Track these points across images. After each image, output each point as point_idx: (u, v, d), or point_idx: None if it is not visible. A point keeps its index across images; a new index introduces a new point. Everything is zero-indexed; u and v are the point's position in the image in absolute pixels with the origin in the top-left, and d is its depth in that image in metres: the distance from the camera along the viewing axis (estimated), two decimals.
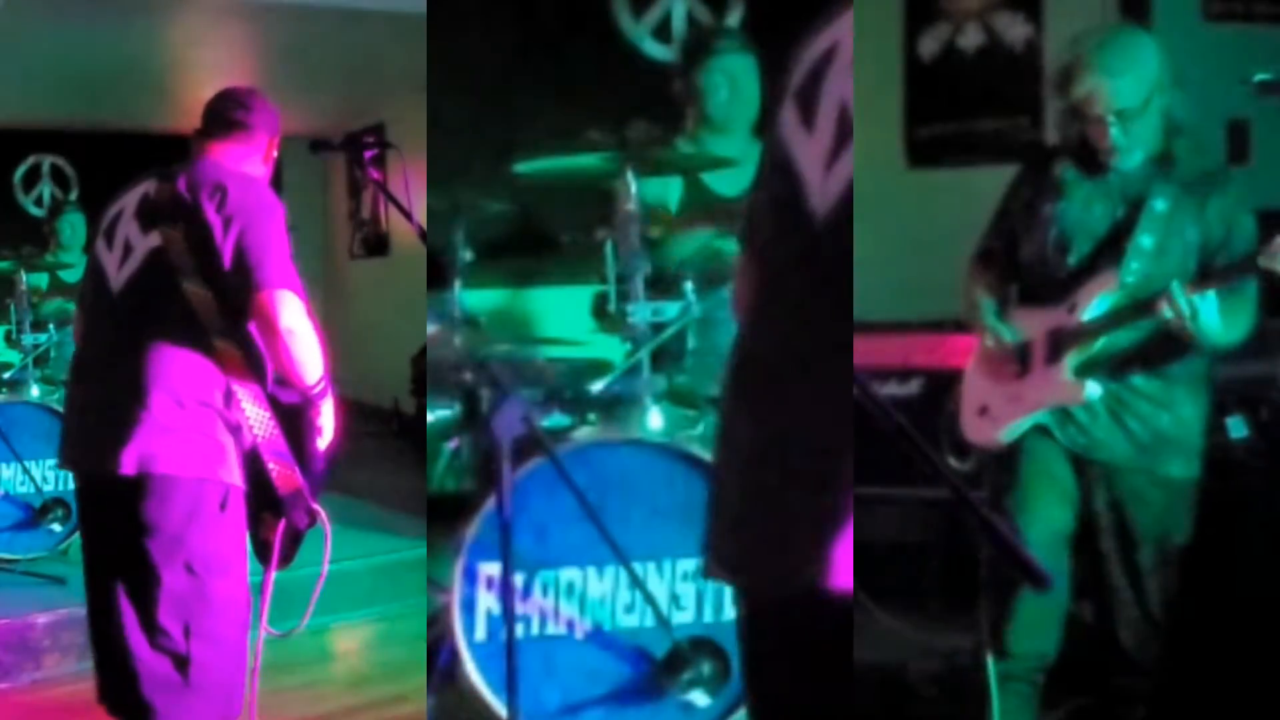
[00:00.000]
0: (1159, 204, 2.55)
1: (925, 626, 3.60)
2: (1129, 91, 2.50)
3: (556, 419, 3.16)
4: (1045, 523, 2.63)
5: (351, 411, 9.78)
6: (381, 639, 4.21)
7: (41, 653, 3.73)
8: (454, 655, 2.91)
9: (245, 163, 2.55)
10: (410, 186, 2.52)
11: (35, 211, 8.63)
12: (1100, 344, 2.58)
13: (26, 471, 4.63)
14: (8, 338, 5.04)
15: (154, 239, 2.38)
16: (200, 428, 2.34)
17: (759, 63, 3.45)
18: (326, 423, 2.50)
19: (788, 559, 1.45)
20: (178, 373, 2.33)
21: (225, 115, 2.59)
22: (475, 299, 3.71)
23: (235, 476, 2.38)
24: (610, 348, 3.28)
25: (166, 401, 2.31)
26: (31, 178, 8.95)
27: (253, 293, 2.28)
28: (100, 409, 2.38)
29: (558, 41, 4.62)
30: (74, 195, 8.58)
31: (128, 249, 2.42)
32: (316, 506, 2.41)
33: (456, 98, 4.32)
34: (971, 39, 4.89)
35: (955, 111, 4.94)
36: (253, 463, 2.39)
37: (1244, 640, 2.93)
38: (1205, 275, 2.49)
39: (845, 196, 1.45)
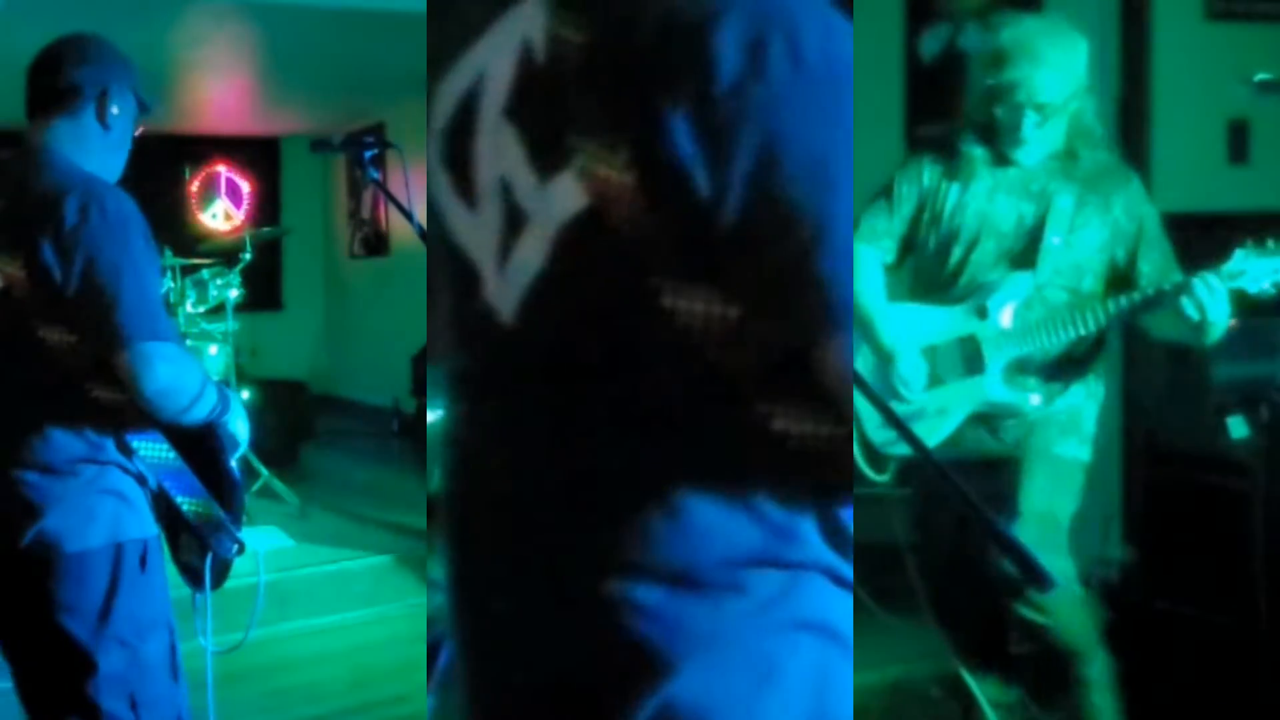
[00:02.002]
0: (1063, 201, 2.55)
1: (927, 626, 3.60)
2: (1054, 87, 2.50)
3: None
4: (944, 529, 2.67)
5: (351, 411, 9.75)
6: (381, 639, 4.20)
7: None
8: (454, 655, 2.91)
9: (83, 143, 2.11)
10: (410, 186, 2.51)
11: None
12: (1025, 350, 2.57)
13: None
14: None
15: None
16: (102, 488, 2.03)
17: None
18: (237, 430, 2.14)
19: None
20: (63, 436, 2.00)
21: (46, 85, 2.12)
22: None
23: (149, 526, 2.11)
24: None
25: (59, 471, 1.99)
26: None
27: (109, 346, 1.91)
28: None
29: None
30: None
31: None
32: (238, 538, 2.11)
33: None
34: (971, 39, 4.88)
35: (955, 111, 4.93)
36: (164, 502, 2.12)
37: (1246, 640, 2.93)
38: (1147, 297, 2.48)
39: (540, 295, 1.05)
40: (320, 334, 10.04)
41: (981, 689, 2.72)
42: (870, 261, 2.72)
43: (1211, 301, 2.38)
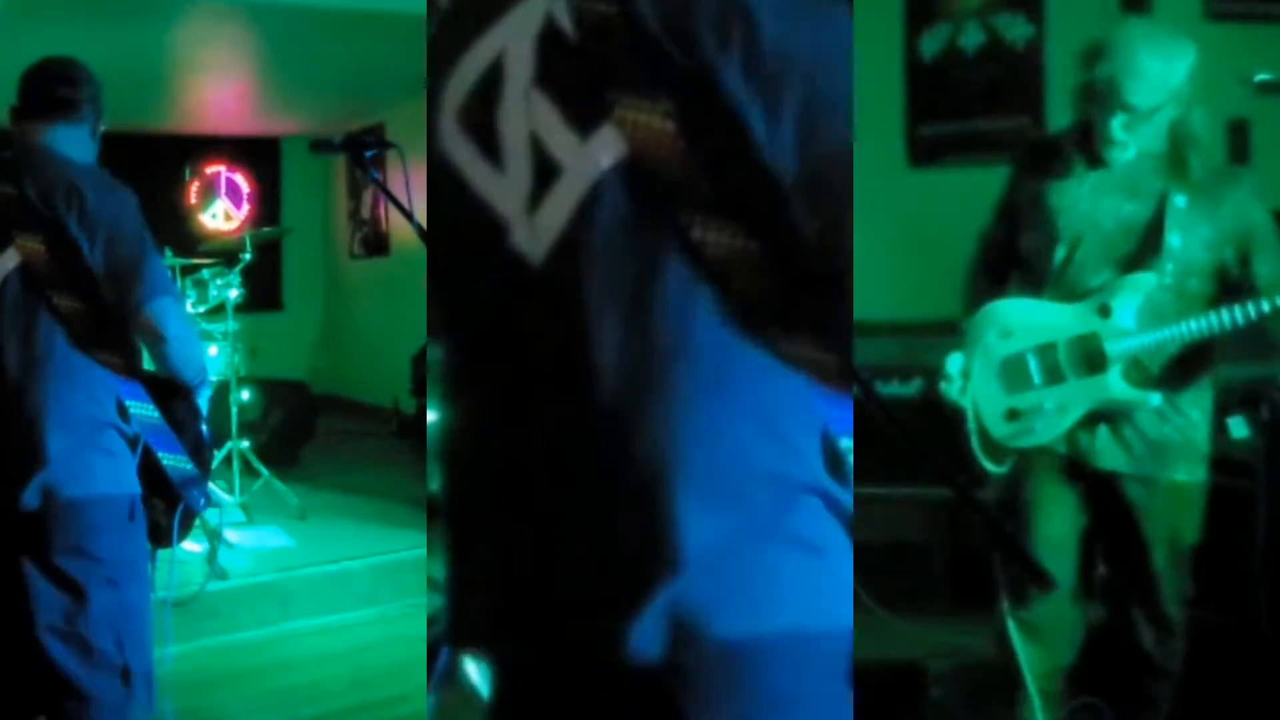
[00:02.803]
0: (1179, 200, 2.52)
1: (929, 626, 3.61)
2: (1145, 90, 2.48)
3: None
4: (1053, 530, 2.64)
5: (351, 411, 9.75)
6: (381, 639, 4.21)
7: None
8: (454, 655, 2.91)
9: (78, 147, 2.42)
10: (410, 186, 2.51)
11: None
12: (1144, 347, 2.54)
13: None
14: None
15: (12, 257, 2.28)
16: (100, 446, 2.30)
17: None
18: (202, 400, 2.47)
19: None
20: (67, 395, 2.27)
21: (51, 93, 2.42)
22: None
23: (136, 485, 2.37)
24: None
25: (63, 428, 2.26)
26: None
27: (133, 308, 2.24)
28: (5, 442, 2.30)
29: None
30: None
31: None
32: (206, 492, 2.44)
33: None
34: (972, 39, 4.89)
35: (955, 111, 4.94)
36: (145, 457, 2.38)
37: (1250, 641, 2.93)
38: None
39: (570, 238, 1.15)
40: (320, 334, 10.04)
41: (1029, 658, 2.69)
42: (993, 266, 2.82)
43: None
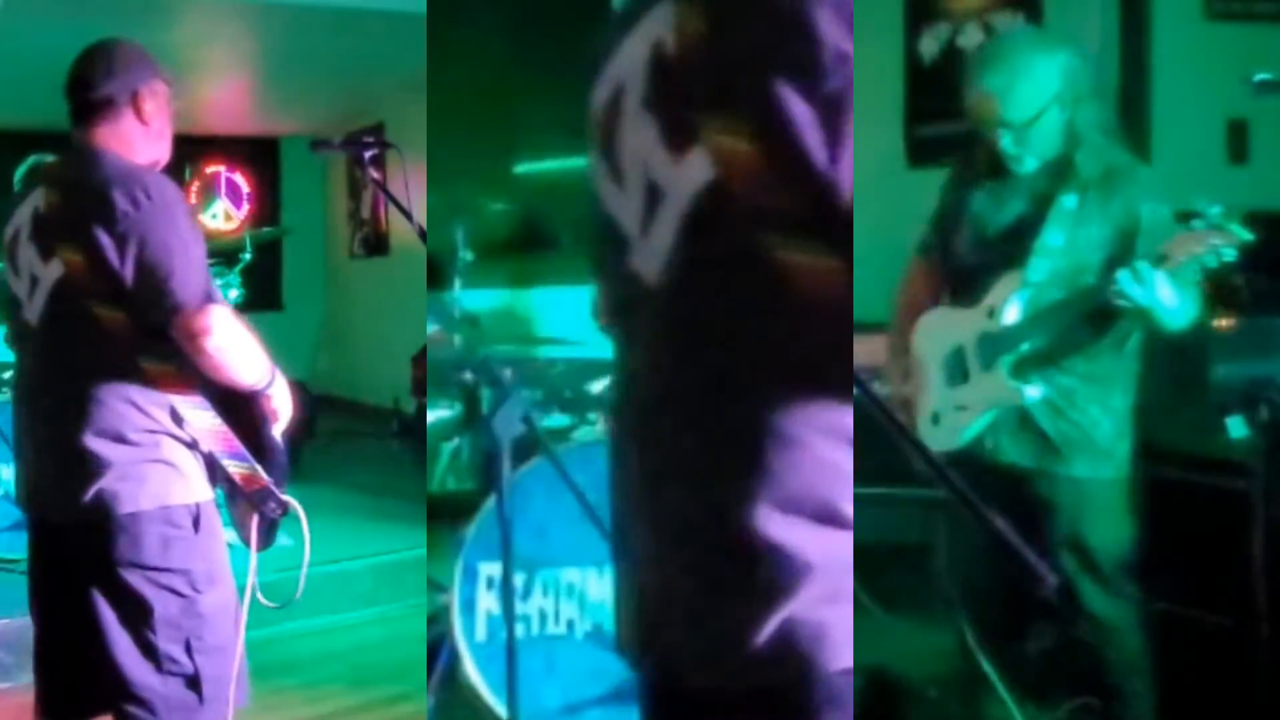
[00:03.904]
0: (1068, 201, 2.59)
1: (927, 626, 3.60)
2: (1017, 105, 2.54)
3: (556, 419, 3.16)
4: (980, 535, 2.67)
5: (351, 411, 9.76)
6: (381, 639, 4.21)
7: None
8: (454, 655, 2.92)
9: (127, 141, 2.32)
10: (410, 186, 2.52)
11: None
12: (1027, 346, 2.63)
13: None
14: (7, 338, 5.04)
15: (56, 268, 2.22)
16: (155, 457, 2.23)
17: None
18: (281, 407, 2.36)
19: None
20: (119, 407, 2.21)
21: (85, 98, 2.34)
22: (475, 299, 3.71)
23: (202, 492, 2.30)
24: (610, 348, 3.27)
25: (115, 440, 2.20)
26: (31, 178, 8.96)
27: (169, 316, 2.14)
28: (51, 454, 2.28)
29: (558, 41, 4.61)
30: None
31: (34, 280, 2.28)
32: (285, 498, 2.30)
33: (456, 98, 4.33)
34: (971, 39, 4.89)
35: (955, 111, 4.93)
36: (215, 467, 2.30)
37: (1246, 640, 2.93)
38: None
39: (673, 261, 1.21)
40: (320, 334, 10.03)
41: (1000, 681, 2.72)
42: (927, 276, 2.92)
43: (1142, 290, 2.39)
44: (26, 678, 3.73)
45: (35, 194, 2.33)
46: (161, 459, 2.24)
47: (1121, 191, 2.60)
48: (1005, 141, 2.59)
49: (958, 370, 2.73)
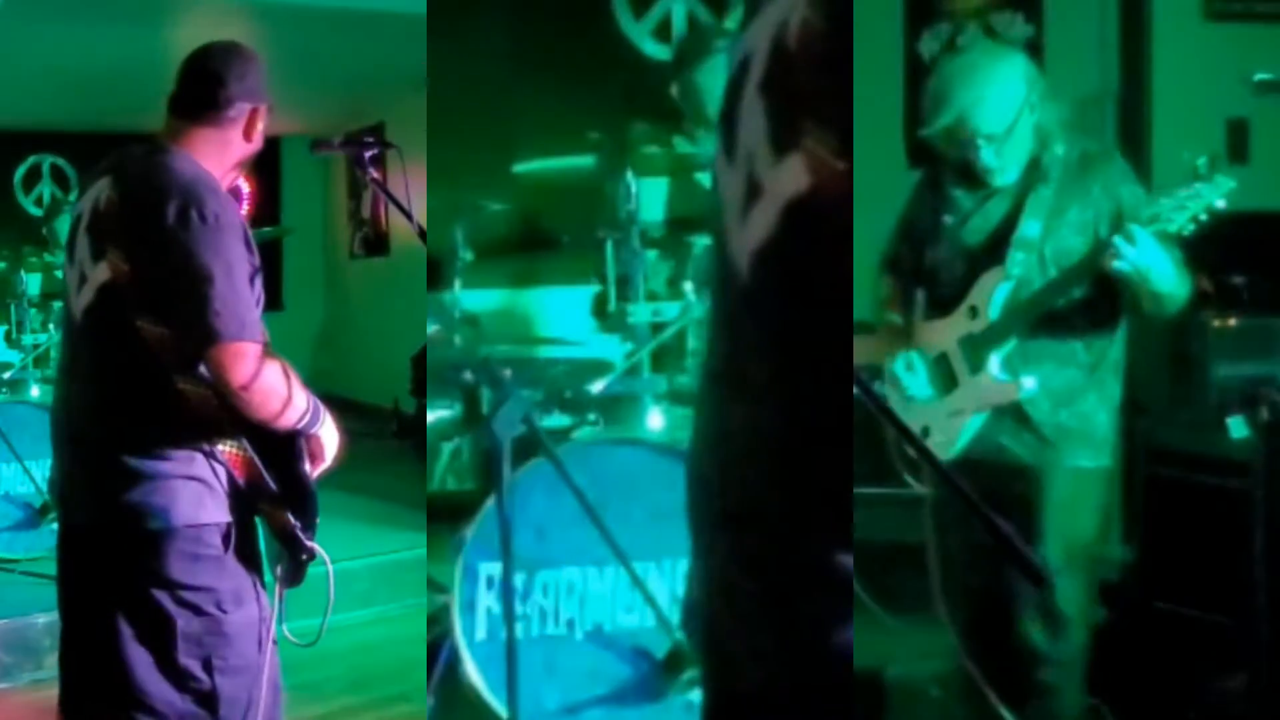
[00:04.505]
0: (1044, 191, 2.61)
1: (927, 626, 3.60)
2: (993, 117, 2.55)
3: (556, 419, 3.16)
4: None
5: (351, 411, 9.80)
6: (381, 639, 4.20)
7: (41, 653, 3.71)
8: (454, 655, 2.91)
9: (221, 151, 2.26)
10: (410, 186, 2.51)
11: (35, 211, 8.64)
12: (1015, 339, 2.62)
13: (27, 472, 4.63)
14: (7, 338, 5.05)
15: (104, 271, 2.13)
16: (188, 473, 2.14)
17: None
18: (326, 448, 2.28)
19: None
20: (153, 421, 2.12)
21: (205, 92, 2.25)
22: (475, 299, 3.71)
23: (231, 512, 2.21)
24: (610, 348, 3.28)
25: (147, 454, 2.12)
26: (31, 178, 8.96)
27: (200, 346, 2.04)
28: (86, 458, 2.22)
29: (558, 41, 4.62)
30: (74, 195, 8.57)
31: (83, 276, 2.19)
32: (310, 544, 2.23)
33: (456, 98, 4.33)
34: (972, 39, 4.88)
35: None
36: (246, 499, 2.21)
37: (1246, 640, 2.93)
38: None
39: (763, 258, 1.19)
40: (320, 334, 10.04)
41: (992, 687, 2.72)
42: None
43: (1136, 252, 2.39)
44: (27, 677, 3.75)
45: (103, 182, 2.21)
46: (194, 475, 2.15)
47: (1101, 173, 2.63)
48: (985, 155, 2.59)
49: (943, 378, 2.72)
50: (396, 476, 6.09)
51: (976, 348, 2.65)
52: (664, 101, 3.59)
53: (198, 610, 2.17)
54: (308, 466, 2.25)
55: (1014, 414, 2.67)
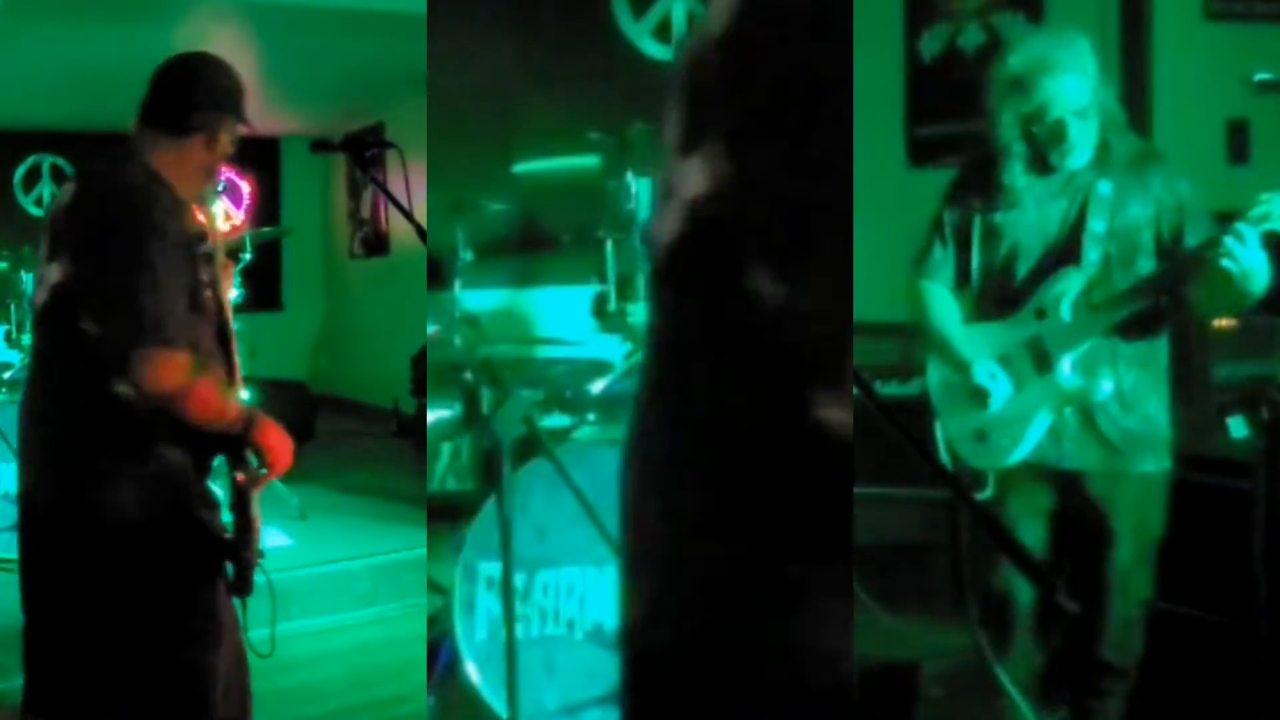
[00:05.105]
0: (1103, 187, 2.59)
1: (929, 626, 3.60)
2: (1082, 90, 2.54)
3: (556, 419, 3.16)
4: (1030, 543, 2.66)
5: (351, 412, 9.73)
6: (381, 639, 4.20)
7: None
8: (454, 655, 2.91)
9: (183, 162, 2.29)
10: (410, 186, 2.51)
11: (35, 211, 8.64)
12: (1090, 341, 2.59)
13: None
14: (7, 338, 5.05)
15: (55, 272, 2.18)
16: (142, 473, 2.19)
17: None
18: (274, 452, 2.27)
19: None
20: (98, 420, 2.16)
21: (158, 102, 2.28)
22: (475, 299, 3.71)
23: (176, 510, 2.26)
24: (610, 348, 3.28)
25: (96, 451, 2.17)
26: (31, 178, 8.95)
27: (125, 350, 2.08)
28: (39, 454, 2.27)
29: (558, 41, 4.62)
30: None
31: (43, 276, 2.23)
32: (248, 554, 2.26)
33: (456, 98, 4.33)
34: (972, 39, 4.89)
35: (955, 111, 4.93)
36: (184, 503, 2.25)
37: (1246, 640, 2.93)
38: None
39: (669, 253, 1.22)
40: (320, 334, 10.03)
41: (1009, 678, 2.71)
42: (939, 293, 2.81)
43: (1245, 251, 2.38)
44: None
45: (69, 185, 2.29)
46: (149, 474, 2.20)
47: (1158, 169, 2.62)
48: (1075, 133, 2.55)
49: (1007, 380, 2.67)
50: (396, 476, 6.09)
51: (1046, 350, 2.61)
52: (664, 101, 3.58)
53: (162, 599, 2.21)
54: (242, 475, 2.27)
55: (1081, 418, 2.63)
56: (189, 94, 2.28)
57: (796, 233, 1.09)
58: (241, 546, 2.27)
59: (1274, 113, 4.01)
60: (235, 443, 2.25)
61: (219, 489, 2.31)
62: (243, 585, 2.30)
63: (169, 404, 2.11)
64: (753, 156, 1.10)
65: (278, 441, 2.29)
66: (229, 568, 2.28)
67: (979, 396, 2.68)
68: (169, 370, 2.08)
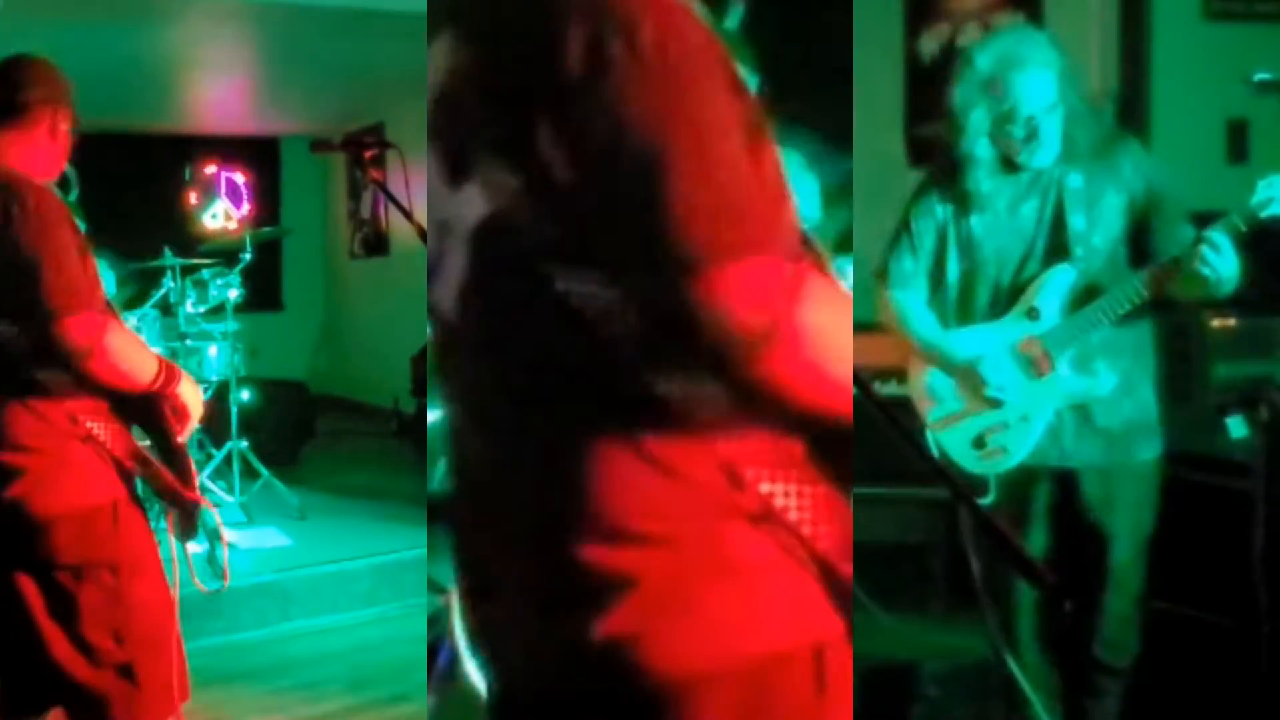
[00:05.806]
0: (1073, 180, 2.59)
1: (928, 626, 3.61)
2: (1050, 85, 2.54)
3: None
4: (1034, 546, 2.66)
5: (351, 411, 9.75)
6: (381, 639, 4.21)
7: None
8: (454, 655, 2.91)
9: (32, 151, 2.35)
10: (410, 186, 2.52)
11: None
12: (1086, 337, 2.58)
13: None
14: None
15: None
16: (63, 461, 2.26)
17: (758, 63, 3.45)
18: (188, 405, 2.37)
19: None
20: (21, 417, 2.23)
21: (7, 99, 2.35)
22: None
23: (117, 488, 2.33)
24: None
25: (22, 449, 2.23)
26: None
27: (44, 327, 2.15)
28: None
29: None
30: (73, 196, 8.56)
31: None
32: (193, 496, 2.36)
33: None
34: (971, 39, 4.88)
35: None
36: (122, 468, 2.33)
37: (1246, 640, 2.93)
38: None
39: (465, 299, 1.22)
40: (320, 334, 10.04)
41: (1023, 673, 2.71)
42: (915, 302, 2.79)
43: (1221, 260, 2.39)
44: None
45: None
46: (70, 462, 2.26)
47: (1128, 154, 2.61)
48: (1048, 127, 2.54)
49: (1003, 384, 2.66)
50: (396, 476, 6.09)
51: (1043, 350, 2.60)
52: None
53: (99, 584, 2.28)
54: (172, 424, 2.37)
55: (1079, 414, 2.63)
56: (26, 90, 2.37)
57: (586, 227, 1.08)
58: (180, 492, 2.34)
59: (1274, 113, 4.01)
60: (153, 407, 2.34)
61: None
62: (188, 529, 2.40)
63: (91, 364, 2.17)
64: (527, 161, 1.08)
65: (196, 390, 2.40)
66: (175, 515, 2.38)
67: (975, 402, 2.68)
68: (85, 330, 2.16)
